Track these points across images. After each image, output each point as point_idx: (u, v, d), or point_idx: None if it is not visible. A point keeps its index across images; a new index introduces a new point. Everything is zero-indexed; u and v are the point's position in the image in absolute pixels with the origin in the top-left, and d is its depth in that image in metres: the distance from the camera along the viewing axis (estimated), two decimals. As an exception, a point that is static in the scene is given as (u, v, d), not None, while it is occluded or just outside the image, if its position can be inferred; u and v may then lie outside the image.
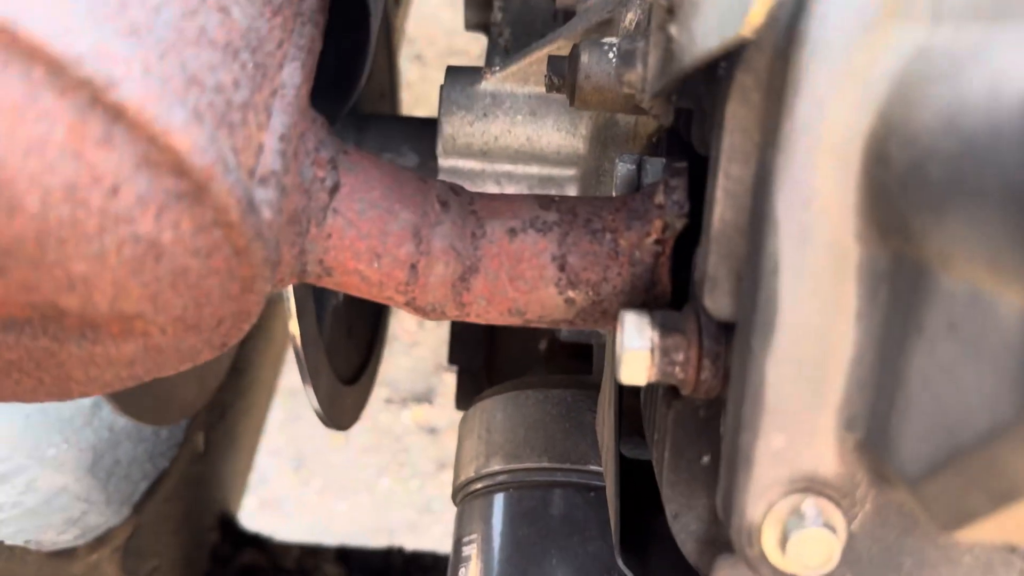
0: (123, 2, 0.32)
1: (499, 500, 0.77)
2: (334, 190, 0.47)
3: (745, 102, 0.39)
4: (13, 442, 1.16)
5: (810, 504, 0.38)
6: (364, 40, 0.53)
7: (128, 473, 1.12)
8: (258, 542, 1.33)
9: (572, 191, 0.76)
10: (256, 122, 0.38)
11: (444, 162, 0.76)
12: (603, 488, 0.76)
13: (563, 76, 0.62)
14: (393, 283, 0.49)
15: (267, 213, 0.39)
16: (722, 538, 0.49)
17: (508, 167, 0.78)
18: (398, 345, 2.17)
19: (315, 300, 0.84)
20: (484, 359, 1.03)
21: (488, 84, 0.74)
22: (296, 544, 1.35)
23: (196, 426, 1.19)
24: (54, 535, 0.99)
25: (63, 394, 0.44)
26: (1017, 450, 0.28)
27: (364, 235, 0.48)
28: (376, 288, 0.49)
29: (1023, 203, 0.25)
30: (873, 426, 0.37)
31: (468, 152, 0.76)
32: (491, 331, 1.03)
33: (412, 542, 1.43)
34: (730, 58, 0.40)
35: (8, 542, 0.85)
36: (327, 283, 0.49)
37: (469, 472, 0.80)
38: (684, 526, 0.50)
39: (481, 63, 0.77)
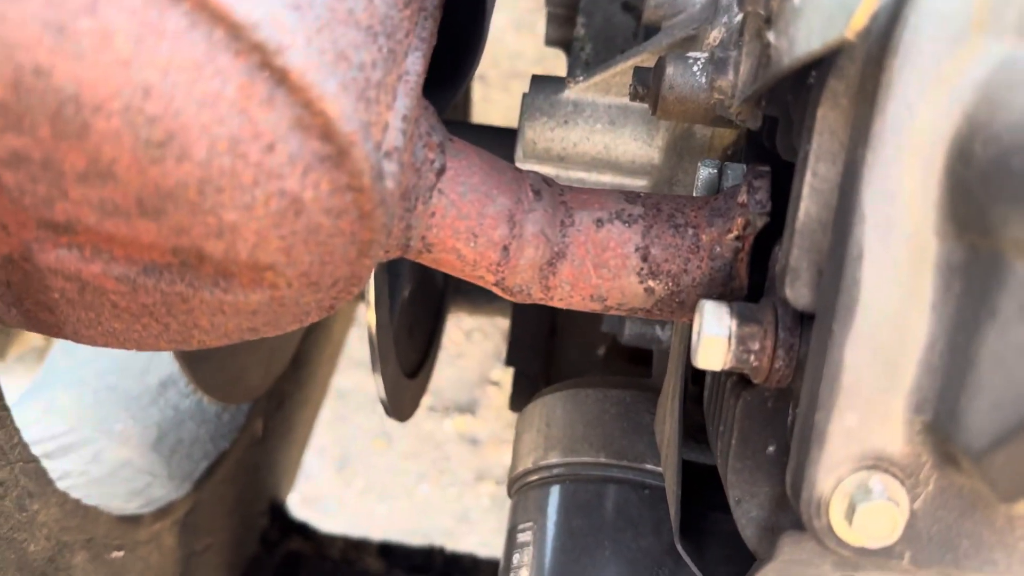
0: (290, -21, 0.36)
1: (555, 491, 0.80)
2: (441, 172, 0.50)
3: (835, 106, 0.42)
4: (82, 415, 1.21)
5: (877, 480, 0.41)
6: (468, 38, 0.57)
7: (190, 452, 1.17)
8: (305, 531, 1.36)
9: (643, 200, 0.79)
10: (385, 102, 0.42)
11: (521, 166, 0.80)
12: (658, 487, 0.78)
13: (647, 86, 0.65)
14: (486, 262, 0.53)
15: (390, 184, 0.42)
16: (781, 525, 0.51)
17: (582, 174, 0.81)
18: (444, 355, 2.21)
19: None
20: (542, 362, 1.06)
21: (571, 93, 0.78)
22: (341, 536, 1.38)
23: (256, 412, 1.23)
24: (121, 503, 1.03)
25: (184, 341, 0.48)
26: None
27: (464, 216, 0.51)
28: (470, 266, 0.53)
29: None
30: (941, 408, 0.39)
31: (546, 157, 0.80)
32: (550, 335, 1.06)
33: (449, 548, 1.46)
34: (820, 66, 0.44)
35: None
36: (425, 259, 0.53)
37: (527, 463, 0.83)
38: (745, 512, 0.53)
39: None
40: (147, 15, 0.34)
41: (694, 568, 0.59)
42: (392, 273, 0.93)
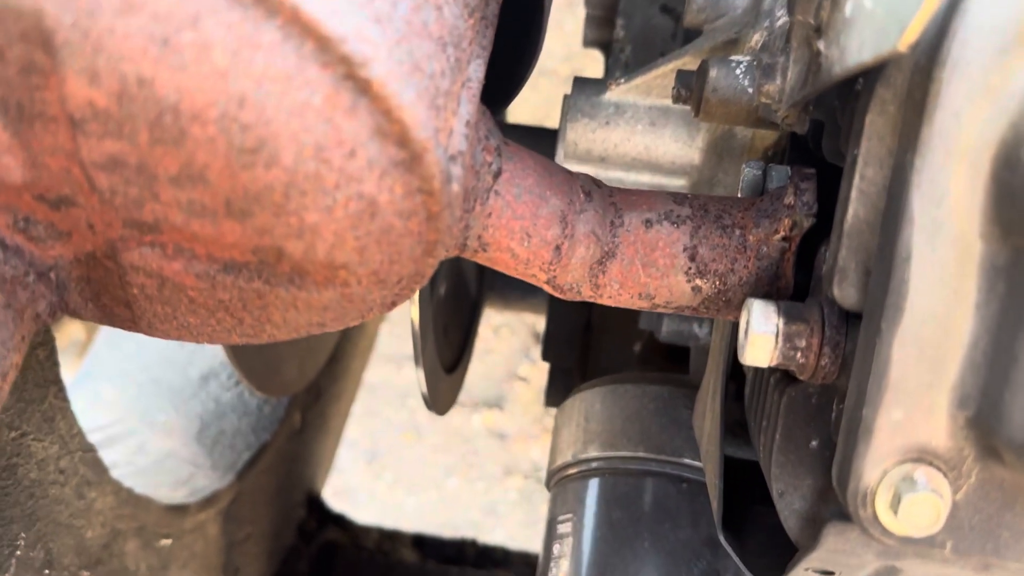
0: (371, -7, 0.38)
1: (594, 484, 0.82)
2: (497, 174, 0.53)
3: (883, 112, 0.44)
4: (126, 407, 1.24)
5: (921, 472, 0.43)
6: (524, 43, 0.59)
7: (232, 443, 1.20)
8: (341, 522, 1.39)
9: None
10: (451, 108, 0.44)
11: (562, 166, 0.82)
12: (695, 481, 0.80)
13: (690, 89, 0.67)
14: (539, 261, 0.55)
15: (455, 187, 0.45)
16: (823, 516, 0.53)
17: (621, 175, 0.83)
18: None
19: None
20: (577, 358, 1.08)
21: (612, 95, 0.79)
22: (376, 527, 1.41)
23: (295, 405, 1.26)
24: (167, 492, 1.06)
25: (255, 335, 0.50)
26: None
27: (519, 216, 0.53)
28: (523, 265, 0.55)
29: None
30: (984, 404, 0.41)
31: (587, 158, 0.82)
32: (585, 330, 1.08)
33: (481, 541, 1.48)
34: (869, 74, 0.45)
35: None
36: (480, 258, 0.55)
37: (566, 456, 0.85)
38: (788, 504, 0.55)
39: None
40: (244, 28, 0.36)
41: (736, 559, 0.61)
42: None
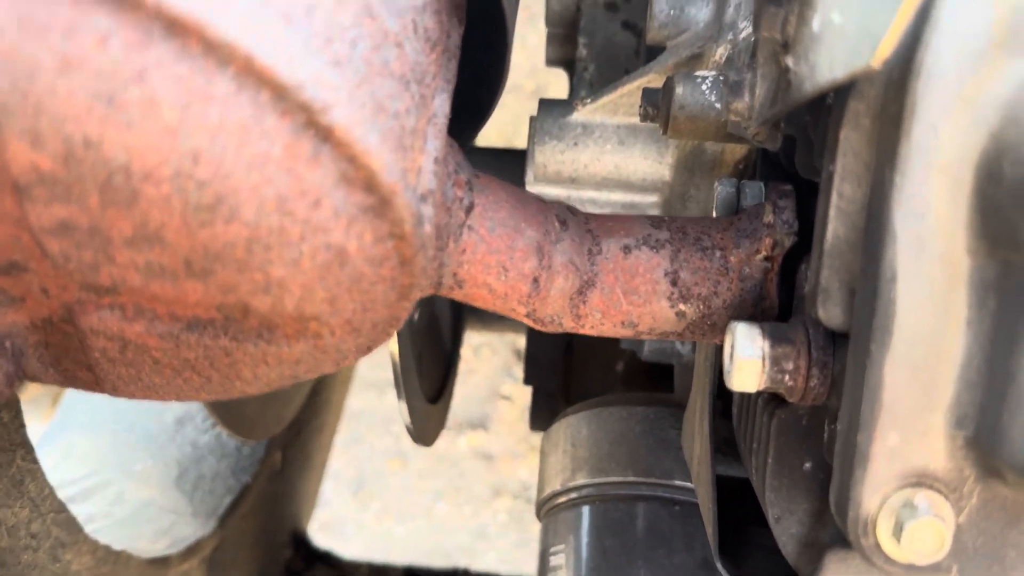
0: (328, 36, 0.37)
1: (585, 512, 0.81)
2: (470, 209, 0.51)
3: (857, 127, 0.43)
4: (101, 457, 1.21)
5: (922, 497, 0.42)
6: (487, 72, 0.58)
7: (212, 487, 1.17)
8: (329, 559, 1.37)
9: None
10: (418, 146, 0.43)
11: (531, 189, 0.80)
12: (687, 503, 0.79)
13: (657, 107, 0.66)
14: (517, 295, 0.53)
15: (428, 227, 0.43)
16: (821, 540, 0.52)
17: (592, 194, 0.82)
18: (454, 373, 2.21)
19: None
20: (560, 380, 1.06)
21: (579, 115, 0.78)
22: (365, 562, 1.38)
23: (275, 443, 1.23)
24: (147, 544, 1.04)
25: (226, 392, 0.48)
26: None
27: (494, 250, 0.52)
28: (501, 300, 0.54)
29: None
30: (982, 423, 0.40)
31: (557, 179, 0.80)
32: (567, 352, 1.06)
33: (473, 569, 1.46)
34: (840, 88, 0.44)
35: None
36: (457, 295, 0.53)
37: (555, 485, 0.84)
38: (785, 529, 0.53)
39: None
40: (194, 81, 0.34)
41: (735, 584, 0.60)
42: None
